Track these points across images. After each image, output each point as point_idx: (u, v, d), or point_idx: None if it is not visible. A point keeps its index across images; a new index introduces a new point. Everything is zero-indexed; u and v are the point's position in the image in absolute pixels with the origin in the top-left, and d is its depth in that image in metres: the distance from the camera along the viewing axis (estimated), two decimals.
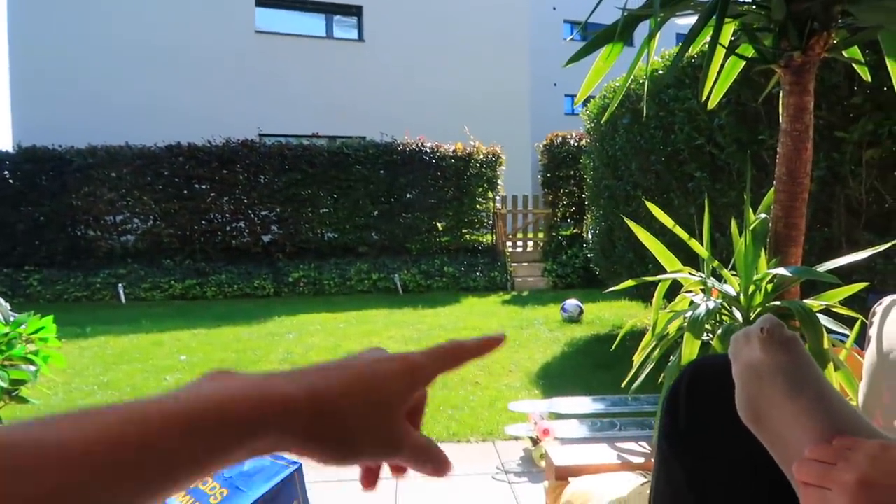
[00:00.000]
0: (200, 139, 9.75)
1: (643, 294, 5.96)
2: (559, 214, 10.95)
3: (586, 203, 7.85)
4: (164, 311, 7.95)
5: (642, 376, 1.85)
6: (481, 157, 10.41)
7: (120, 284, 9.00)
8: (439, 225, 10.28)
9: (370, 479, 0.45)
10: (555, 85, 22.71)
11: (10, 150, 9.78)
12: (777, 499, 0.77)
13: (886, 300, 1.29)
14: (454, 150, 10.24)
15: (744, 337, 0.77)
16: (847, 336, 1.78)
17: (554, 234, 10.74)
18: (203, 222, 9.84)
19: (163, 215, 9.69)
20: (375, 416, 0.40)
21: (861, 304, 2.51)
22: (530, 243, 10.95)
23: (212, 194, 9.73)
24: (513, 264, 10.10)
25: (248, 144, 9.77)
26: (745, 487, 0.82)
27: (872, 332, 1.27)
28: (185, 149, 9.61)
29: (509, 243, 10.69)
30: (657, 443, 0.92)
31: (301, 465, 1.22)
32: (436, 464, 0.43)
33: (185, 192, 9.66)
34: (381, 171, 9.97)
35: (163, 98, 12.99)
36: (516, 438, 3.34)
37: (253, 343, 5.85)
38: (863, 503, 0.55)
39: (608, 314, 6.98)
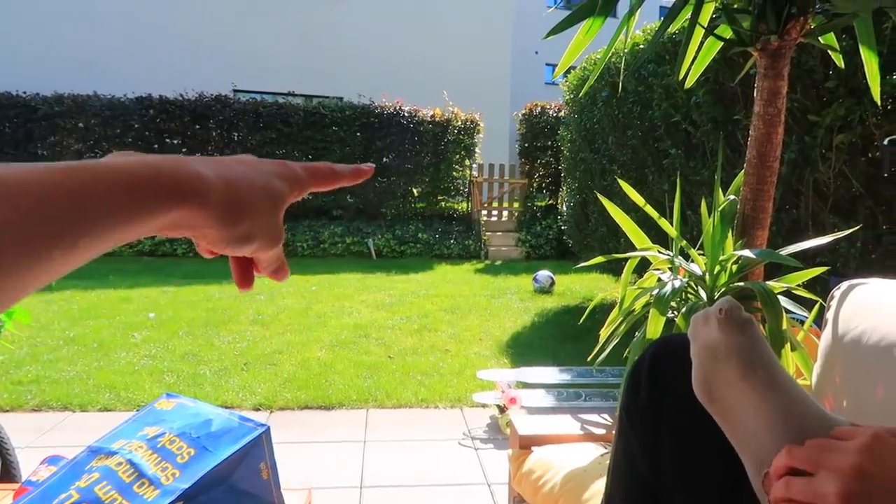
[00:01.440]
0: (172, 93, 9.52)
1: (614, 268, 6.05)
2: (535, 185, 10.97)
3: (562, 175, 7.87)
4: (132, 267, 7.84)
5: (608, 350, 1.90)
6: (459, 123, 10.34)
7: None
8: (415, 190, 10.23)
9: (247, 279, 0.50)
10: (536, 53, 22.48)
11: None
12: (726, 472, 0.80)
13: (844, 284, 1.34)
14: (432, 116, 10.14)
15: (703, 317, 0.79)
16: (806, 318, 1.84)
17: (529, 204, 10.78)
18: None
19: None
20: (269, 208, 0.43)
21: (824, 286, 2.58)
22: (505, 213, 10.97)
23: (183, 150, 9.52)
24: (487, 233, 10.13)
25: (222, 100, 9.56)
26: (696, 461, 0.85)
27: (829, 315, 1.31)
28: (155, 101, 9.37)
29: (484, 212, 10.70)
30: (618, 415, 0.95)
31: (269, 427, 1.23)
32: (284, 267, 0.49)
33: (156, 146, 9.43)
34: (358, 134, 9.85)
35: (132, 50, 12.59)
36: (484, 406, 3.40)
37: (223, 303, 5.81)
38: None
39: (579, 286, 7.07)
